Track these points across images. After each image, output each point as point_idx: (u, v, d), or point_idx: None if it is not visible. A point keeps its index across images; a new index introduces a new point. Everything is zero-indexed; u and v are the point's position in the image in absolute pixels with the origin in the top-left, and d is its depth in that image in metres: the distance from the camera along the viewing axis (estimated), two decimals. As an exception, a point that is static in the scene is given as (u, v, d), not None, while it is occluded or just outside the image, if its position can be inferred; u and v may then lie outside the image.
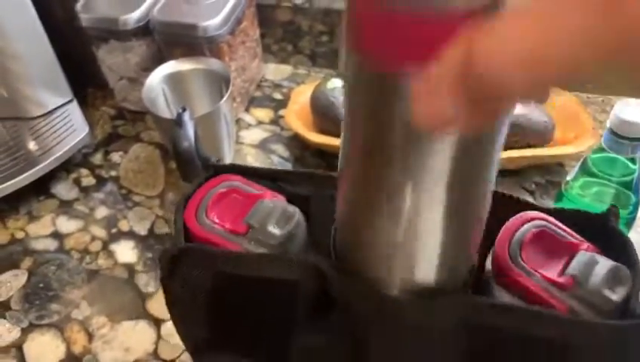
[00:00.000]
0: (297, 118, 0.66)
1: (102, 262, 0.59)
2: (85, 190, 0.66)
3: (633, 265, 0.29)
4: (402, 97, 0.20)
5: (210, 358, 0.35)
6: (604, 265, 0.28)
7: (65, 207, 0.64)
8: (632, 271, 0.28)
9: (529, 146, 0.60)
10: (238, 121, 0.71)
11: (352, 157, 0.26)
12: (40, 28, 0.62)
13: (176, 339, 0.37)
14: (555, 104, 0.64)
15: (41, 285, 0.57)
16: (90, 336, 0.53)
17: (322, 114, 0.64)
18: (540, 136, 0.61)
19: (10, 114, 0.66)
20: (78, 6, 0.66)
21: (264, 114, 0.73)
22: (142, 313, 0.54)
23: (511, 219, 0.31)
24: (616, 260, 0.29)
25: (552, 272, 0.29)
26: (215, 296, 0.32)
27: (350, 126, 0.25)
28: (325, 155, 0.66)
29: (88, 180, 0.67)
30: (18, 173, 0.62)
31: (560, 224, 0.31)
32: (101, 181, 0.67)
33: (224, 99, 0.58)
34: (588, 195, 0.47)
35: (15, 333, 0.53)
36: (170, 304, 0.34)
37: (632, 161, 0.45)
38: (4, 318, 0.55)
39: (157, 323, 0.53)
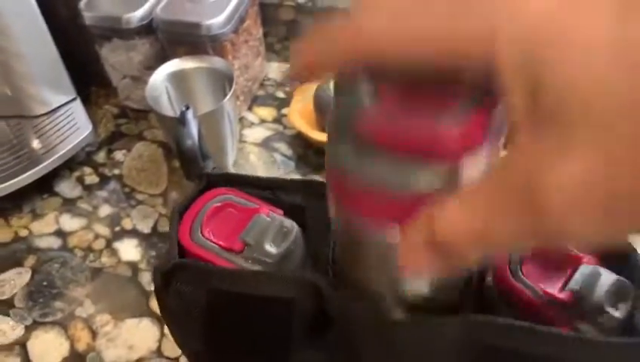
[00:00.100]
0: (300, 116, 0.66)
1: (105, 260, 0.59)
2: (89, 188, 0.66)
3: (637, 279, 0.28)
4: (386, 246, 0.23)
5: None
6: (607, 278, 0.27)
7: (68, 205, 0.65)
8: (636, 285, 0.28)
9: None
10: (241, 119, 0.71)
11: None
12: (43, 26, 0.62)
13: (181, 337, 0.37)
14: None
15: (45, 283, 0.57)
16: (94, 334, 0.53)
17: (325, 112, 0.64)
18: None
19: (14, 112, 0.66)
20: (82, 4, 0.66)
21: (267, 112, 0.73)
22: (145, 311, 0.54)
23: None
24: (619, 271, 0.28)
25: (554, 287, 0.28)
26: (210, 312, 0.31)
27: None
28: (328, 154, 0.65)
29: (92, 178, 0.67)
30: (21, 172, 0.62)
31: None
32: (104, 179, 0.67)
33: (227, 97, 0.58)
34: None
35: (19, 331, 0.54)
36: (165, 315, 0.33)
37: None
38: (8, 316, 0.55)
39: (160, 320, 0.53)
